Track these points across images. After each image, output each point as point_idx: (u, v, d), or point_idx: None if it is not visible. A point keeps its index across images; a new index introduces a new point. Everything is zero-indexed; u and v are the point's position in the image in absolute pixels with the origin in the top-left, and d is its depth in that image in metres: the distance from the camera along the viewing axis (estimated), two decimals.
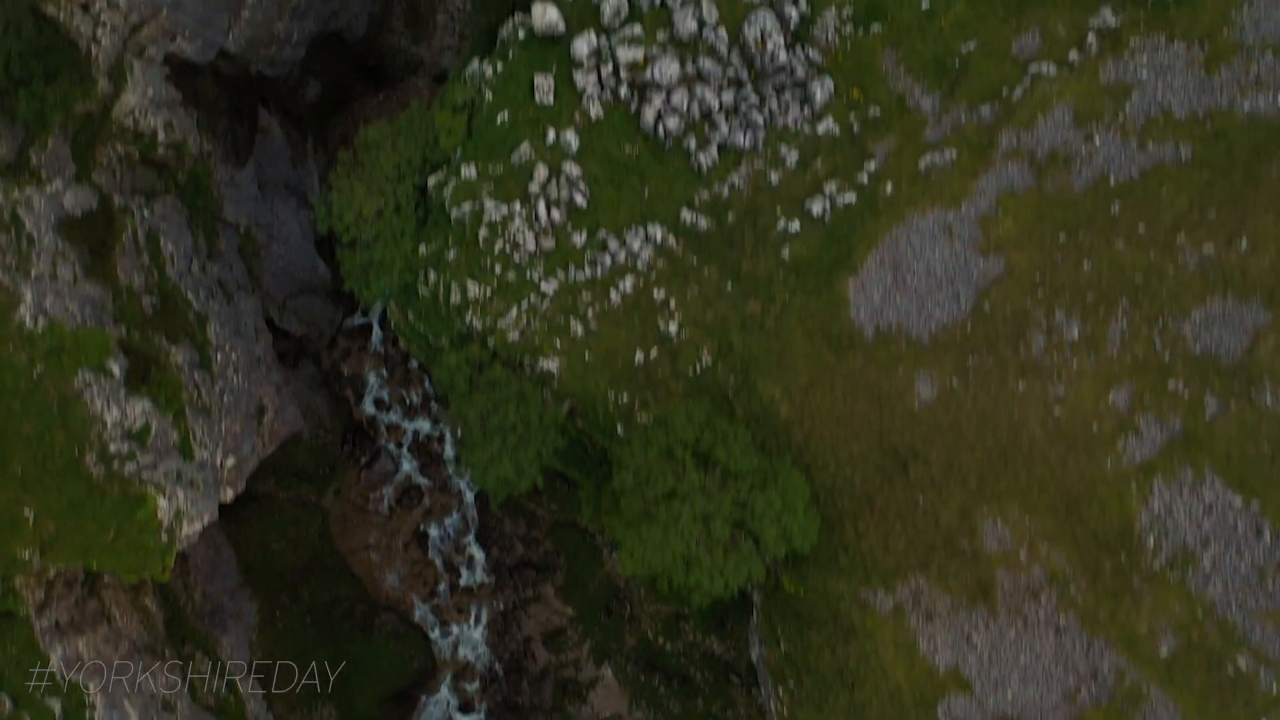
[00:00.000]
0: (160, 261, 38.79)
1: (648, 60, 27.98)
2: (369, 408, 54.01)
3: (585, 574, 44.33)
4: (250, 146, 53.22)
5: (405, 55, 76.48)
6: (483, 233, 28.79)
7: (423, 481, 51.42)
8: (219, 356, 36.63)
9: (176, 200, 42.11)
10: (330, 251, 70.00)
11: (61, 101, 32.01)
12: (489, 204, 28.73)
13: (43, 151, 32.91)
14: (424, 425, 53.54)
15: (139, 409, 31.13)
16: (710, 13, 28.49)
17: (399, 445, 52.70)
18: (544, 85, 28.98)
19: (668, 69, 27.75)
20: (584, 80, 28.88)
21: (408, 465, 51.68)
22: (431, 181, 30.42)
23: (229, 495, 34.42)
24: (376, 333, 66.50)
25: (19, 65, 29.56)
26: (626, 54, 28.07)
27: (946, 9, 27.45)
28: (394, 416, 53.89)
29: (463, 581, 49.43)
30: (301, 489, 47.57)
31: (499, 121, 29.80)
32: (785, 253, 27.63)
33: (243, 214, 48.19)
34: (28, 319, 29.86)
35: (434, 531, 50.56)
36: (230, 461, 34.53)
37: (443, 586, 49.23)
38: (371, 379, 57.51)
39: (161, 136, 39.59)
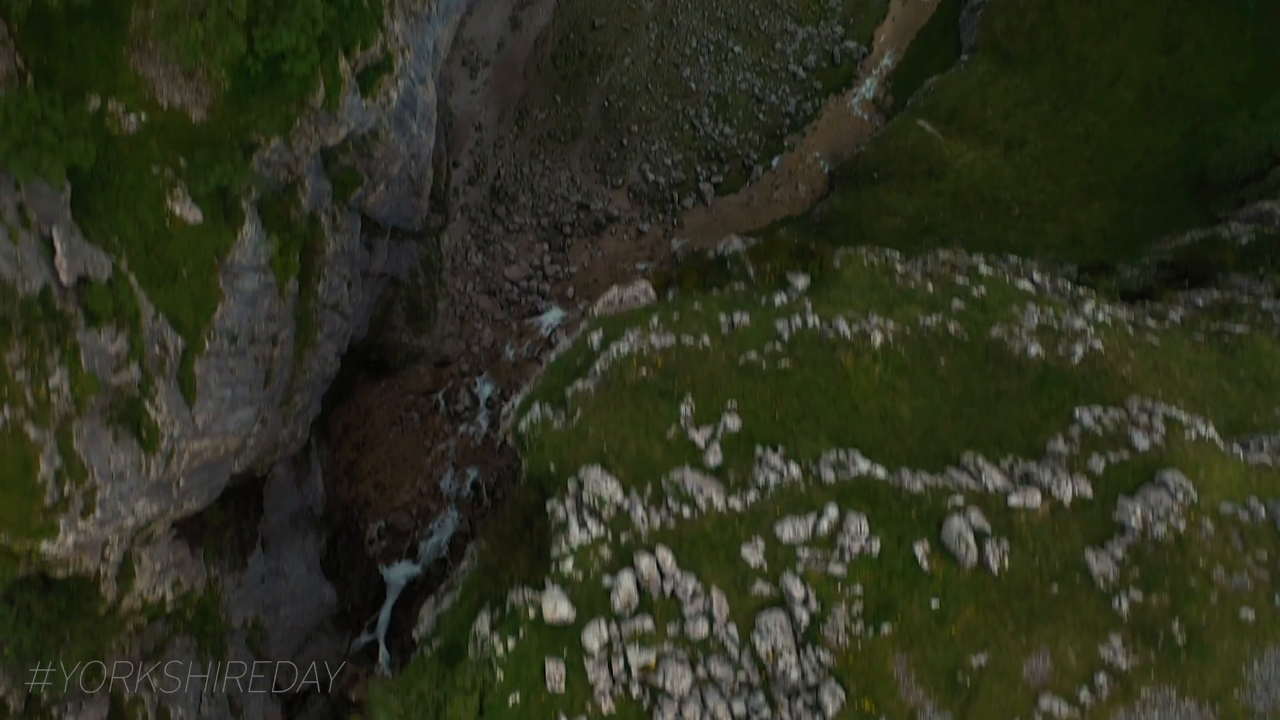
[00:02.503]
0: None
1: (659, 661, 28.00)
2: None
3: None
4: (255, 537, 53.95)
5: (407, 349, 77.87)
6: None
7: None
8: None
9: (186, 638, 42.02)
10: (335, 568, 70.01)
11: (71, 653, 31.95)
12: None
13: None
14: None
15: None
16: (720, 607, 28.63)
17: None
18: (555, 674, 28.88)
19: (679, 680, 27.69)
20: (595, 673, 28.77)
21: None
22: None
23: None
24: (384, 653, 65.92)
25: (32, 643, 29.53)
26: (637, 656, 28.07)
27: (957, 614, 27.62)
28: None
29: None
30: None
31: (511, 704, 29.59)
32: None
33: (249, 607, 48.51)
34: None
35: None
36: None
37: None
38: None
39: (170, 596, 39.71)
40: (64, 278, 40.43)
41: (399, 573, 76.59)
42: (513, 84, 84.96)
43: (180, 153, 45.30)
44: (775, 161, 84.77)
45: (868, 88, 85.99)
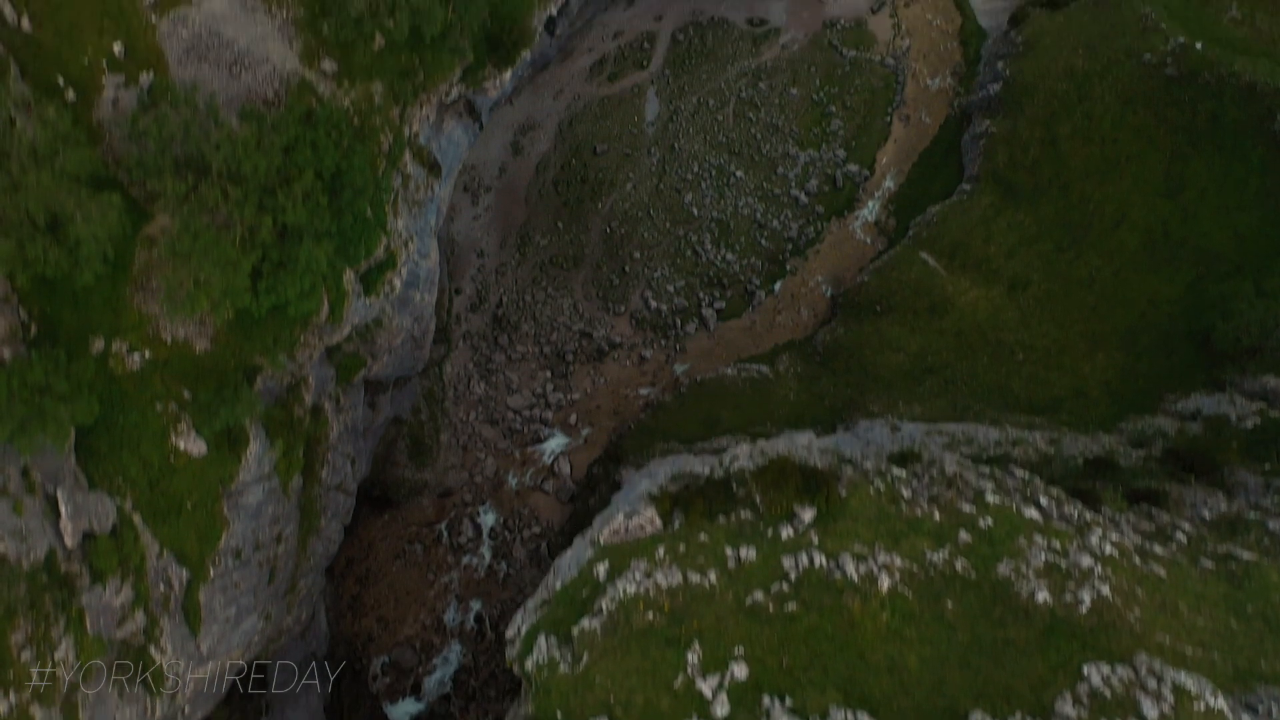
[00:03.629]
0: None
1: None
2: None
3: None
4: (259, 713, 53.87)
5: (410, 483, 77.77)
6: None
7: None
8: None
9: None
10: (339, 713, 69.87)
11: None
12: None
13: None
14: None
15: None
16: None
17: None
18: None
19: None
20: None
21: None
22: None
23: None
24: None
25: None
26: None
27: None
28: None
29: None
30: None
31: None
32: None
33: None
34: None
35: None
36: None
37: None
38: None
39: None
40: (69, 540, 40.30)
41: (403, 711, 76.37)
42: (515, 210, 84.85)
43: (184, 385, 45.17)
44: (777, 286, 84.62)
45: (870, 210, 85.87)
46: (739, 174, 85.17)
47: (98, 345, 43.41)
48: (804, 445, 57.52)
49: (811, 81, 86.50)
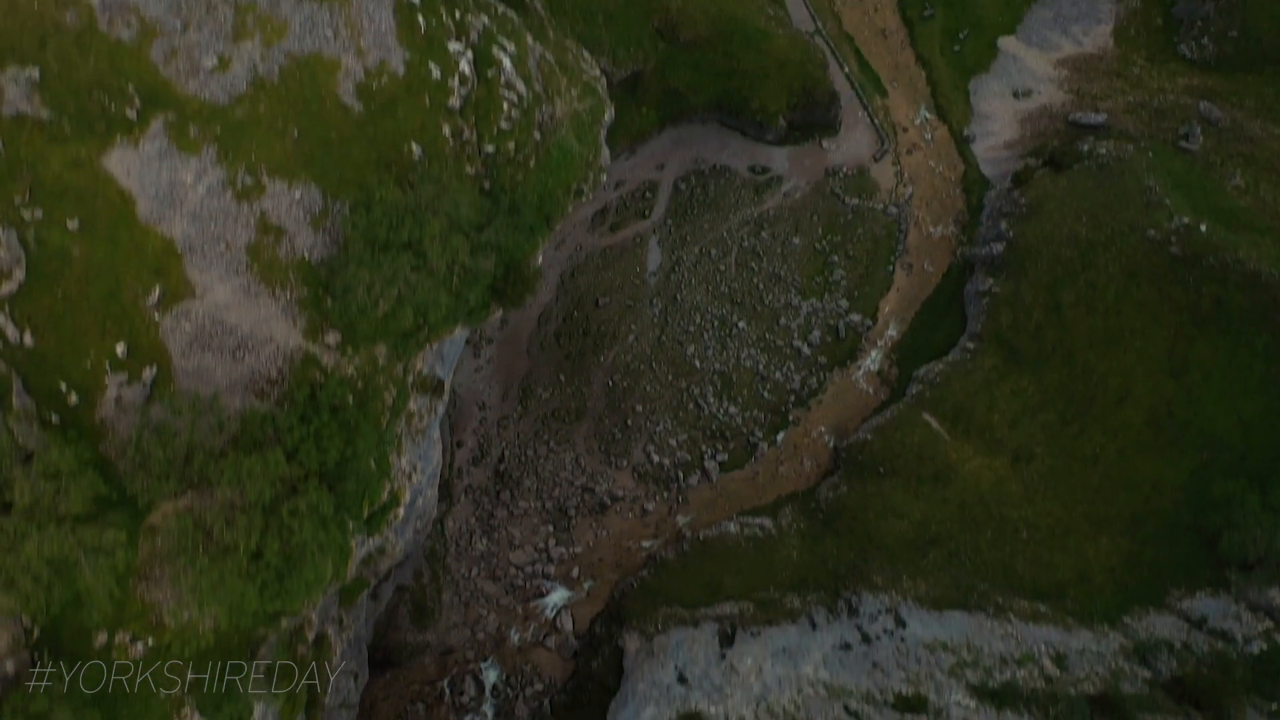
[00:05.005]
0: None
1: None
2: None
3: None
4: None
5: (412, 646, 77.51)
6: None
7: None
8: None
9: None
10: None
11: None
12: None
13: None
14: None
15: None
16: None
17: None
18: None
19: None
20: None
21: None
22: None
23: None
24: None
25: None
26: None
27: None
28: None
29: None
30: None
31: None
32: None
33: None
34: None
35: None
36: None
37: None
38: None
39: None
40: None
41: None
42: (516, 362, 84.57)
43: (188, 668, 44.91)
44: (780, 437, 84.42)
45: (872, 360, 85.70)
46: (741, 325, 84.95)
47: (101, 639, 43.19)
48: (809, 678, 57.40)
49: (814, 230, 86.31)
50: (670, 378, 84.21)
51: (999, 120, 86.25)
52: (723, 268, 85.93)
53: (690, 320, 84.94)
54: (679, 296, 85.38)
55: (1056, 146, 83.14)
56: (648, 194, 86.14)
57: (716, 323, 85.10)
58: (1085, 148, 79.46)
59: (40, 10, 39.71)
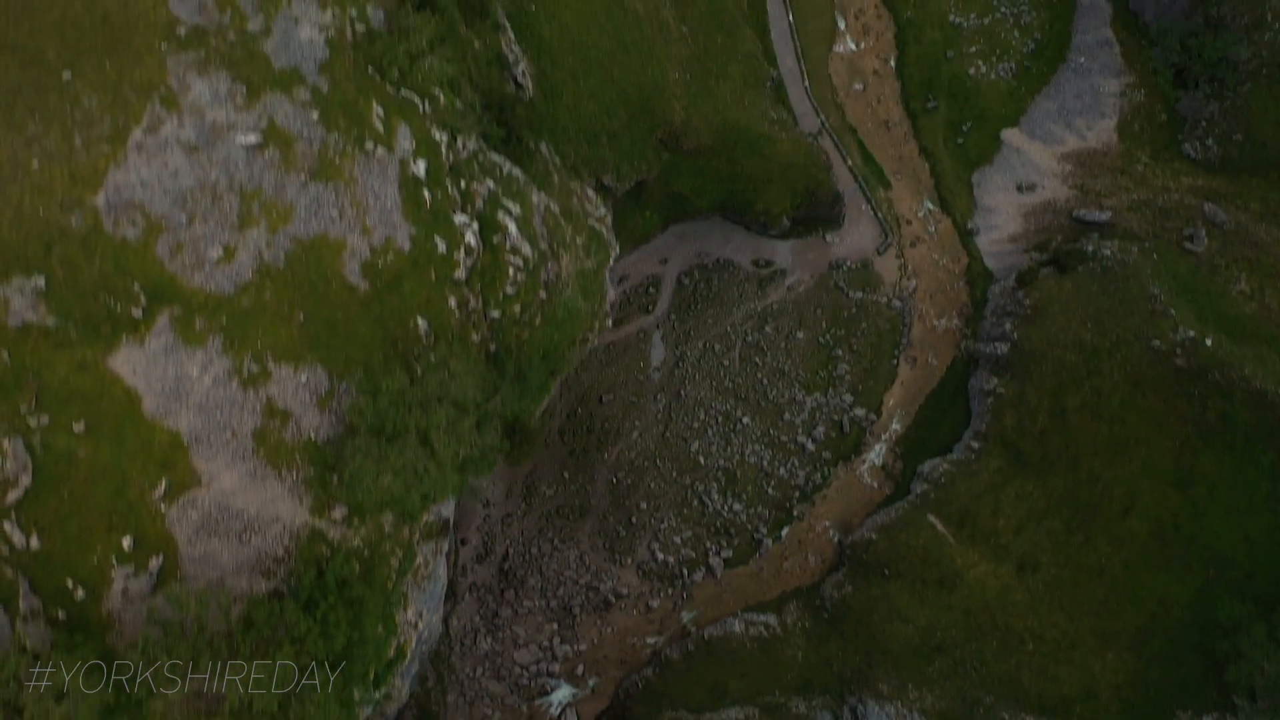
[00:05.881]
0: None
1: None
2: None
3: None
4: None
5: None
6: None
7: None
8: None
9: None
10: None
11: None
12: None
13: None
14: None
15: None
16: None
17: None
18: None
19: None
20: None
21: None
22: None
23: None
24: None
25: None
26: None
27: None
28: None
29: None
30: None
31: None
32: None
33: None
34: None
35: None
36: None
37: None
38: None
39: None
40: None
41: None
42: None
43: None
44: (784, 531, 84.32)
45: (876, 454, 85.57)
46: (745, 420, 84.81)
47: None
48: None
49: (818, 324, 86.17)
50: (675, 474, 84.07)
51: (1003, 214, 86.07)
52: (726, 362, 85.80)
53: (694, 416, 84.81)
54: (683, 392, 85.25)
55: (1060, 243, 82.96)
56: (651, 289, 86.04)
57: (720, 418, 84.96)
58: (1090, 248, 79.27)
59: (46, 216, 39.62)
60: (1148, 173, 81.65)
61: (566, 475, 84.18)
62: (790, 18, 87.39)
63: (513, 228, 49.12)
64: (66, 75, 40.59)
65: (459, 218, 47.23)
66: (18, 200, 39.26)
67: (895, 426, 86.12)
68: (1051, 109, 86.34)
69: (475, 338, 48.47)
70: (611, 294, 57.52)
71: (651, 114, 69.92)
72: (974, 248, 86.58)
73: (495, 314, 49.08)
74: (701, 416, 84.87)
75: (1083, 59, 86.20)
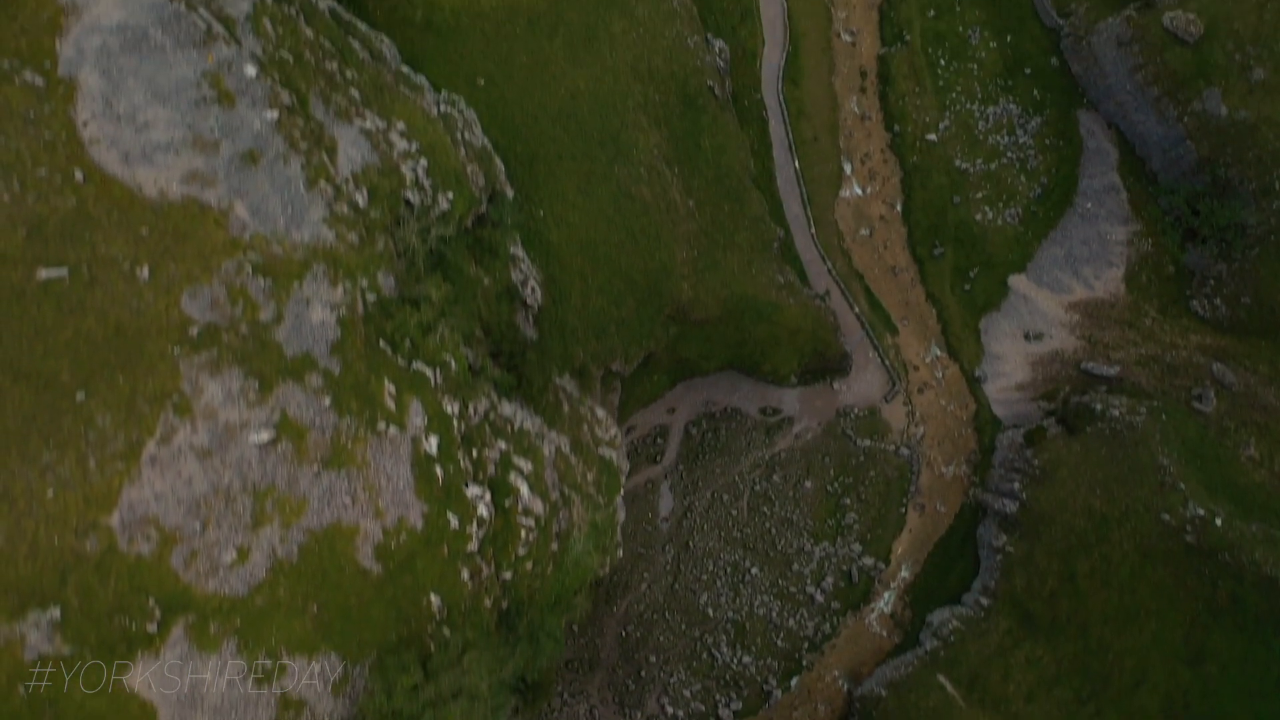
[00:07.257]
0: None
1: None
2: None
3: None
4: None
5: None
6: None
7: None
8: None
9: None
10: None
11: None
12: None
13: None
14: None
15: None
16: None
17: None
18: None
19: None
20: None
21: None
22: None
23: None
24: None
25: None
26: None
27: None
28: None
29: None
30: None
31: None
32: None
33: None
34: None
35: None
36: None
37: None
38: None
39: None
40: None
41: None
42: None
43: None
44: (794, 682, 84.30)
45: (885, 601, 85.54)
46: (754, 571, 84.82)
47: None
48: None
49: (825, 472, 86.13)
50: (684, 627, 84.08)
51: (1010, 361, 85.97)
52: (735, 512, 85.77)
53: (703, 567, 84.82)
54: (691, 543, 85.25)
55: (1068, 393, 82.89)
56: (659, 439, 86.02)
57: (729, 569, 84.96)
58: (1098, 405, 79.15)
59: (61, 545, 39.63)
60: (1155, 327, 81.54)
61: (575, 629, 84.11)
62: (796, 164, 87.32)
63: (524, 489, 49.10)
64: (80, 396, 40.59)
65: (471, 490, 47.20)
66: (33, 533, 39.27)
67: (904, 574, 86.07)
68: (1059, 255, 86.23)
69: (488, 602, 48.44)
70: (622, 514, 57.40)
71: (660, 296, 69.92)
72: (982, 395, 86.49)
73: (508, 575, 49.05)
74: (710, 567, 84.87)
75: (1089, 204, 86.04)
